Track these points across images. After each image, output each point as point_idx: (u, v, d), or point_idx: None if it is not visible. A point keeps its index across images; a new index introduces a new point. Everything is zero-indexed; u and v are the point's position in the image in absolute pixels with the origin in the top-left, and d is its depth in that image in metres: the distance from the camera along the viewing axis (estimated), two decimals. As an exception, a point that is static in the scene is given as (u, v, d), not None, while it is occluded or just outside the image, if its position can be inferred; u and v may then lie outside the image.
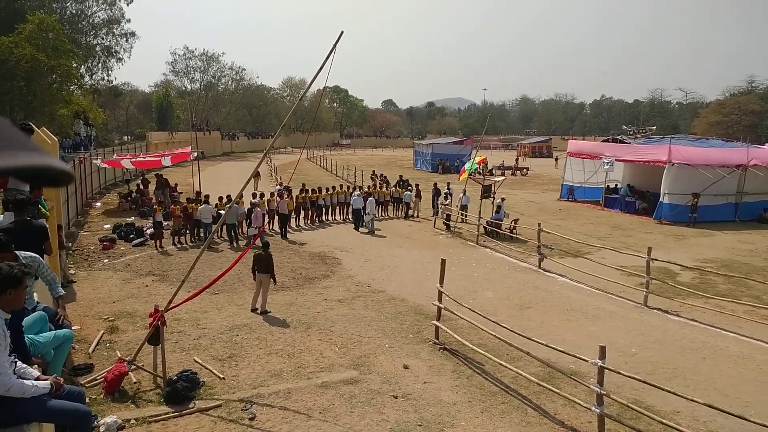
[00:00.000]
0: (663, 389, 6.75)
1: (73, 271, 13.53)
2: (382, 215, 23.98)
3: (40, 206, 7.74)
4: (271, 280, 11.20)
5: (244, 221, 18.80)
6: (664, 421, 6.70)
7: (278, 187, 22.87)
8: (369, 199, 20.74)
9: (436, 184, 25.00)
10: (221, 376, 8.19)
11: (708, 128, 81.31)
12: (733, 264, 16.54)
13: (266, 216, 18.86)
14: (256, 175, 29.43)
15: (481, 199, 20.72)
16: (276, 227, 19.42)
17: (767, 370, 9.20)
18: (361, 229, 20.50)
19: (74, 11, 44.86)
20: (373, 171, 33.61)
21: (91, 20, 46.28)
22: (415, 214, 24.10)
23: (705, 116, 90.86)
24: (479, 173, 23.04)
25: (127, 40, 48.19)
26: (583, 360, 7.24)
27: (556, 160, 55.70)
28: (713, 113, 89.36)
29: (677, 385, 7.86)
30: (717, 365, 9.37)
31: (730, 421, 6.88)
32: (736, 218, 24.18)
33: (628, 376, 7.01)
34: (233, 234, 17.33)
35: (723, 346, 10.20)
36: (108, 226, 19.09)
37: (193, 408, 7.23)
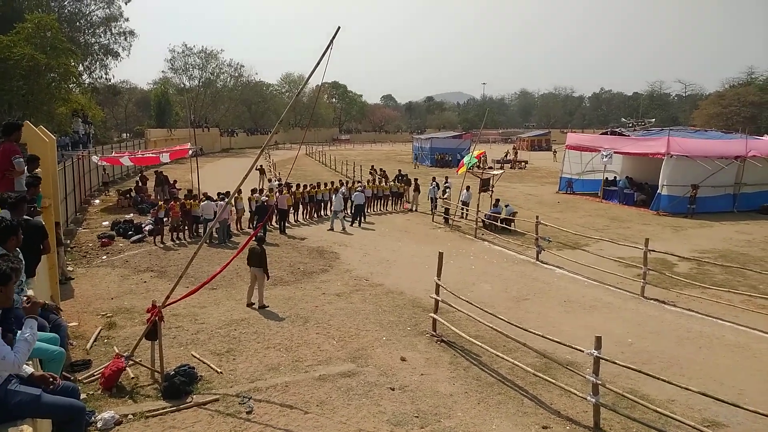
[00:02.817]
0: (658, 378, 6.79)
1: (71, 268, 13.57)
2: (381, 210, 24.03)
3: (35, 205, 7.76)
4: (265, 274, 11.24)
5: (241, 218, 18.93)
6: (658, 409, 6.74)
7: (276, 182, 22.89)
8: (336, 195, 20.38)
9: (434, 177, 25.02)
10: (219, 370, 8.24)
11: (707, 120, 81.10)
12: (731, 254, 16.56)
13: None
14: (261, 171, 29.46)
15: (479, 193, 20.73)
16: (275, 222, 19.45)
17: (762, 359, 9.24)
18: (337, 226, 19.86)
19: (72, 10, 44.78)
20: (372, 166, 33.62)
21: (89, 19, 46.21)
22: (414, 209, 24.13)
23: (704, 108, 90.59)
24: (478, 167, 23.04)
25: (125, 39, 48.12)
26: (579, 350, 7.27)
27: (554, 153, 55.76)
28: (712, 105, 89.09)
29: (673, 375, 7.89)
30: (713, 354, 9.41)
31: (724, 409, 6.93)
32: (734, 209, 24.19)
33: (624, 366, 7.05)
34: (225, 231, 17.29)
35: (719, 336, 10.24)
36: (107, 223, 19.13)
37: (190, 402, 7.27)
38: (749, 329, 10.50)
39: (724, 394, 6.95)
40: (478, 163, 22.77)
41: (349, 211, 21.67)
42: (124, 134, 65.17)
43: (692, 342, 9.94)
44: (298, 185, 21.98)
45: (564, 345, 7.62)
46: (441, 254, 9.90)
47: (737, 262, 14.91)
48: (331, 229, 19.51)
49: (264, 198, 18.67)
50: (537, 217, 16.28)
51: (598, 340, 6.92)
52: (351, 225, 20.60)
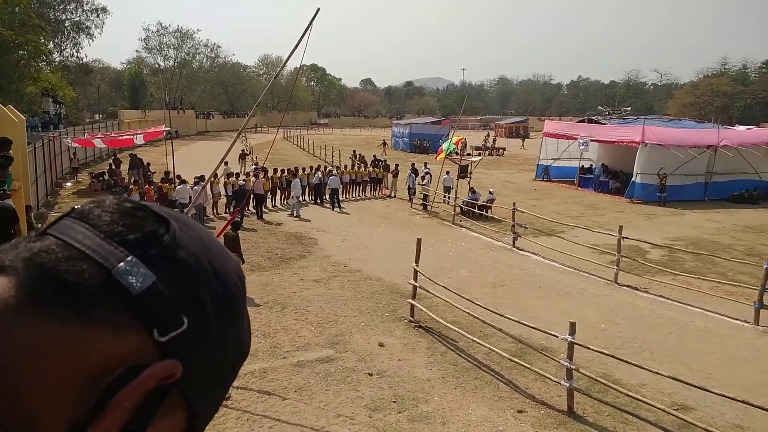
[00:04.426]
0: (630, 363, 6.97)
1: (43, 253, 13.27)
2: (360, 195, 24.00)
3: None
4: (240, 259, 11.18)
5: (217, 202, 18.73)
6: (630, 393, 6.93)
7: (253, 167, 22.66)
8: (294, 180, 19.94)
9: (413, 164, 25.04)
10: (196, 356, 8.18)
11: (681, 109, 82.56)
12: (701, 242, 16.98)
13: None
14: (242, 156, 29.10)
15: (457, 179, 20.81)
16: (252, 208, 19.28)
17: (730, 344, 9.53)
18: (295, 211, 19.61)
19: (42, -15, 43.44)
20: (354, 151, 33.47)
21: (59, -7, 44.89)
22: (392, 194, 24.15)
23: (679, 97, 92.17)
24: (457, 153, 23.11)
25: (98, 16, 46.98)
26: (554, 336, 7.41)
27: (523, 140, 56.33)
28: (687, 94, 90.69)
29: (644, 359, 8.11)
30: (683, 340, 9.67)
31: (693, 393, 7.13)
32: (705, 198, 24.75)
33: (597, 351, 7.22)
34: (201, 216, 17.10)
35: (689, 321, 10.52)
36: (79, 206, 18.72)
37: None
38: (717, 315, 10.81)
39: (693, 378, 7.17)
40: (456, 150, 22.84)
41: (326, 197, 21.66)
42: (97, 115, 63.79)
43: (663, 327, 10.20)
44: (275, 170, 21.80)
45: (539, 330, 7.77)
46: (419, 240, 9.95)
47: (707, 250, 15.29)
48: (294, 215, 19.33)
49: (242, 182, 18.45)
50: (514, 204, 16.44)
51: (573, 325, 7.06)
52: (333, 209, 20.61)
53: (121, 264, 0.48)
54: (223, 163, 7.99)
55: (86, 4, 45.95)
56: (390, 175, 24.97)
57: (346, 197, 22.56)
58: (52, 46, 41.65)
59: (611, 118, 36.88)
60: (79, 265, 0.48)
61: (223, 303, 0.54)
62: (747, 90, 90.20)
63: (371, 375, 7.88)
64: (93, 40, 47.89)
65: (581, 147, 27.15)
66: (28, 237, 0.52)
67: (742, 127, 35.76)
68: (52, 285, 0.47)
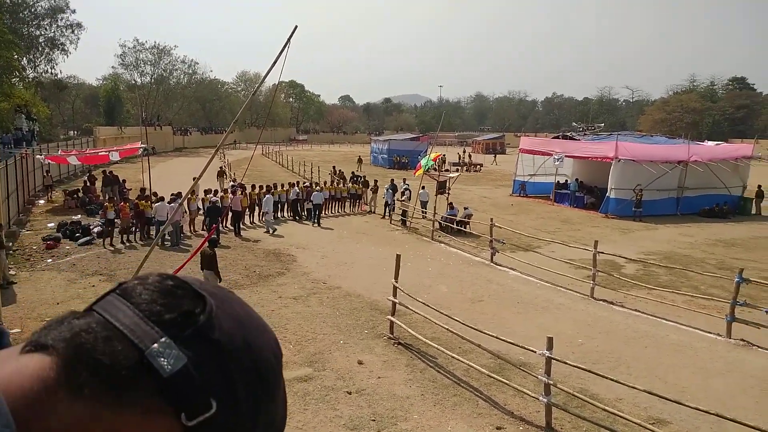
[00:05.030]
0: (606, 378, 7.05)
1: (13, 272, 12.97)
2: (339, 212, 23.99)
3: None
4: (217, 277, 11.08)
5: (195, 219, 18.50)
6: (607, 408, 7.00)
7: (231, 183, 22.50)
8: (266, 196, 19.77)
9: (392, 180, 25.14)
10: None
11: (653, 125, 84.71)
12: (674, 256, 17.31)
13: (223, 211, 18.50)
14: (221, 174, 28.84)
15: (436, 195, 20.99)
16: (230, 224, 19.10)
17: (703, 357, 9.70)
18: (266, 228, 19.48)
19: (15, 0, 42.82)
20: (333, 167, 33.50)
21: (33, 10, 44.32)
22: (372, 210, 24.18)
23: (650, 114, 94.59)
24: (435, 169, 23.28)
25: (73, 32, 46.46)
26: (532, 351, 7.47)
27: (495, 156, 57.36)
28: (658, 111, 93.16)
29: (621, 374, 8.20)
30: (658, 353, 9.81)
31: (668, 406, 7.23)
32: (677, 212, 25.28)
33: (575, 366, 7.29)
34: (178, 234, 16.90)
35: (663, 335, 10.68)
36: (52, 224, 18.38)
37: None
38: (691, 328, 11.00)
39: (668, 391, 7.27)
40: (435, 166, 23.02)
41: (305, 213, 21.67)
42: (72, 132, 62.78)
43: (638, 341, 10.34)
44: (253, 186, 21.69)
45: (517, 346, 7.81)
46: (398, 256, 9.98)
47: (680, 264, 15.59)
48: (269, 232, 19.18)
49: (214, 198, 18.14)
50: (491, 220, 16.59)
51: (550, 340, 7.12)
52: (313, 225, 20.67)
53: (155, 345, 0.49)
54: (192, 180, 7.93)
55: (61, 20, 45.49)
56: (369, 191, 25.03)
57: (325, 213, 22.53)
58: (26, 62, 41.11)
59: (585, 134, 37.56)
60: (115, 346, 0.49)
61: (255, 384, 0.55)
62: (715, 106, 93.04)
63: (350, 393, 7.83)
64: (68, 56, 47.41)
65: (556, 163, 27.59)
66: (74, 313, 0.54)
67: (711, 143, 36.81)
68: (88, 366, 0.48)
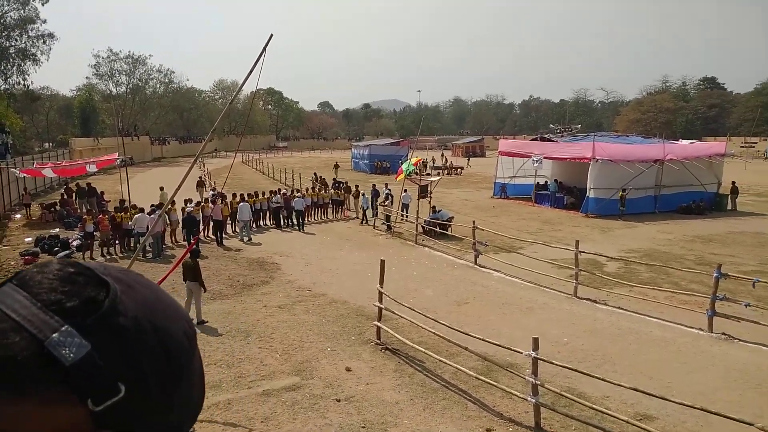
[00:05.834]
0: (593, 376, 7.11)
1: (-10, 289, 12.66)
2: (322, 218, 23.92)
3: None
4: (201, 287, 10.95)
5: (175, 230, 18.26)
6: (594, 406, 7.05)
7: (212, 192, 22.28)
8: (241, 204, 19.50)
9: (374, 185, 25.16)
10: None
11: (628, 125, 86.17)
12: (654, 253, 17.56)
13: (201, 223, 18.29)
14: (200, 184, 28.53)
15: (418, 199, 21.00)
16: (211, 234, 18.91)
17: (686, 352, 9.84)
18: (244, 238, 19.29)
19: (-17, 12, 42.13)
20: (314, 173, 33.38)
21: (2, 21, 43.51)
22: (357, 216, 24.13)
23: (625, 114, 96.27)
24: (416, 173, 23.35)
25: (44, 42, 45.67)
26: (518, 352, 7.50)
27: (468, 160, 57.60)
28: (632, 111, 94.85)
29: (606, 372, 8.28)
30: (642, 350, 9.93)
31: (654, 402, 7.31)
32: (655, 210, 25.67)
33: (561, 366, 7.34)
34: (159, 245, 16.68)
35: (647, 332, 10.82)
36: (30, 239, 18.01)
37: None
38: (674, 324, 11.16)
39: (654, 387, 7.36)
40: (416, 170, 23.09)
41: (289, 220, 21.62)
42: (47, 144, 61.70)
43: (622, 339, 10.46)
44: (234, 195, 21.51)
45: (504, 347, 7.85)
46: (383, 262, 9.96)
47: (660, 261, 15.82)
48: (245, 240, 19.04)
49: (189, 209, 17.92)
50: (474, 222, 16.67)
51: (536, 341, 7.17)
52: (299, 231, 20.76)
53: (55, 335, 0.48)
54: (160, 189, 7.82)
55: (32, 31, 44.72)
56: (351, 197, 24.99)
57: (308, 220, 22.44)
58: (-3, 73, 40.38)
59: (563, 135, 38.07)
60: (12, 338, 0.48)
61: (165, 365, 0.55)
62: (687, 106, 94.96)
63: (339, 401, 7.78)
64: (39, 67, 46.59)
65: (535, 164, 27.87)
66: None
67: (685, 142, 37.54)
68: None
